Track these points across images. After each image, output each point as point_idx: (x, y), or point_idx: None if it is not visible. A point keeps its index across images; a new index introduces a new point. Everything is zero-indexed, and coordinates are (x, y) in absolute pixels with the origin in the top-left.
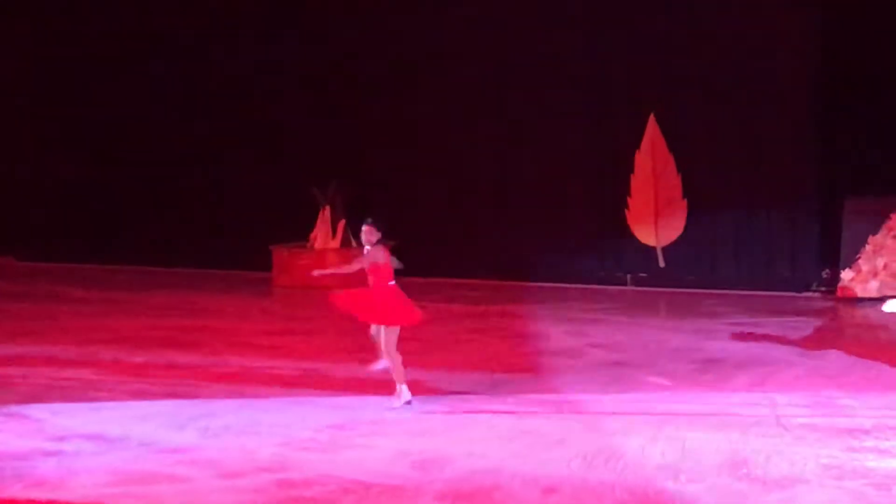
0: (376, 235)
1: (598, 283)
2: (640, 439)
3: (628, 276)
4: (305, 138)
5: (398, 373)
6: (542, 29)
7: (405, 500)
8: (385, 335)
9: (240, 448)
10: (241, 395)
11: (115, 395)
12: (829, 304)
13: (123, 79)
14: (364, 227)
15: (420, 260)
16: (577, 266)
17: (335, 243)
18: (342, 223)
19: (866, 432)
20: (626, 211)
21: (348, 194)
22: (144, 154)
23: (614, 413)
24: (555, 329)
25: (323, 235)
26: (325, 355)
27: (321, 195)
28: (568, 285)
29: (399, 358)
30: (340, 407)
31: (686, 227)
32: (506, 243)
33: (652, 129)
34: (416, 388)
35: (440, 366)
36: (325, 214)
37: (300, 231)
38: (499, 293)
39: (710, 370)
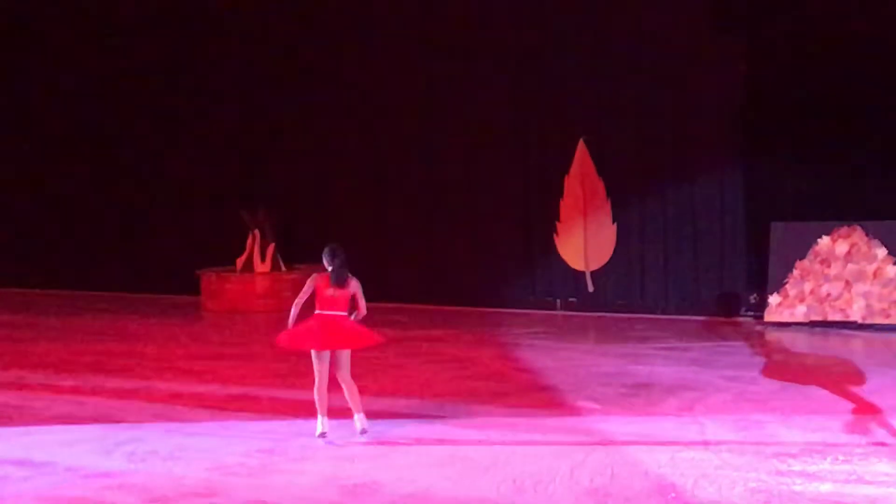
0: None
1: (528, 308)
2: (570, 463)
3: (557, 300)
4: (233, 163)
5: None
6: (473, 53)
7: None
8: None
9: (167, 473)
10: (170, 420)
11: (42, 419)
12: (758, 328)
13: (46, 103)
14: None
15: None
16: (506, 290)
17: (265, 267)
18: (272, 247)
19: (794, 456)
20: (554, 236)
21: (277, 219)
22: (71, 178)
23: (544, 437)
24: (484, 353)
25: (252, 260)
26: (254, 380)
27: (250, 219)
28: (497, 310)
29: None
30: (269, 432)
31: (615, 252)
32: (434, 268)
33: (581, 154)
34: (345, 414)
35: (369, 392)
36: (255, 238)
37: (228, 255)
38: (428, 318)
39: (639, 394)
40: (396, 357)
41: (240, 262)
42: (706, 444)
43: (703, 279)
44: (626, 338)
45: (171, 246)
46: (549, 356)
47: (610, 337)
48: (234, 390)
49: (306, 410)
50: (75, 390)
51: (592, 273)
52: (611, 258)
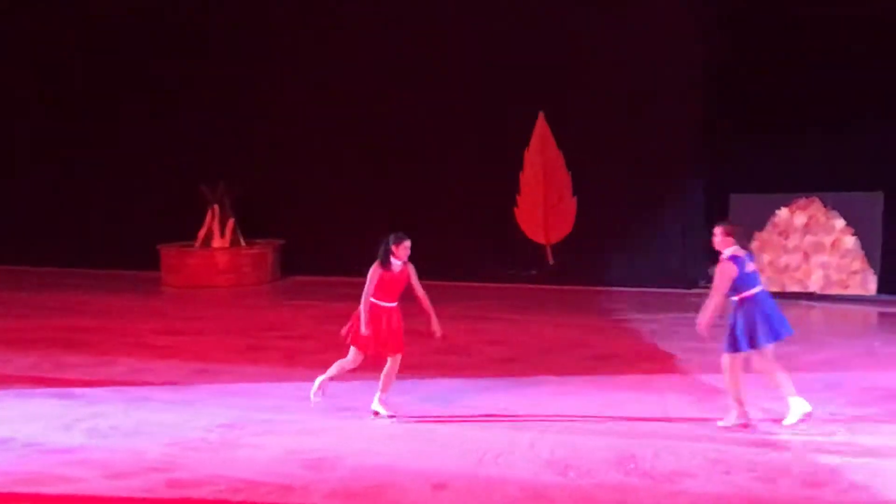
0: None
1: (488, 281)
2: (531, 435)
3: (519, 273)
4: (192, 138)
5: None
6: (431, 26)
7: (295, 499)
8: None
9: (128, 449)
10: (130, 396)
11: (1, 395)
12: None
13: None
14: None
15: (307, 258)
16: (467, 264)
17: (224, 242)
18: (231, 222)
19: (752, 426)
20: (515, 209)
21: (236, 193)
22: (31, 154)
23: (506, 409)
24: (447, 327)
25: (211, 234)
26: (215, 355)
27: (210, 193)
28: (458, 283)
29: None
30: (231, 406)
31: (575, 225)
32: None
33: (541, 127)
34: (308, 390)
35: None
36: (214, 213)
37: (188, 230)
38: None
39: (600, 366)
40: None
41: (199, 236)
42: (666, 415)
43: (663, 251)
44: (587, 310)
45: (131, 221)
46: (510, 329)
47: (570, 309)
48: (195, 365)
49: (268, 385)
50: (35, 366)
51: (553, 246)
52: (571, 231)
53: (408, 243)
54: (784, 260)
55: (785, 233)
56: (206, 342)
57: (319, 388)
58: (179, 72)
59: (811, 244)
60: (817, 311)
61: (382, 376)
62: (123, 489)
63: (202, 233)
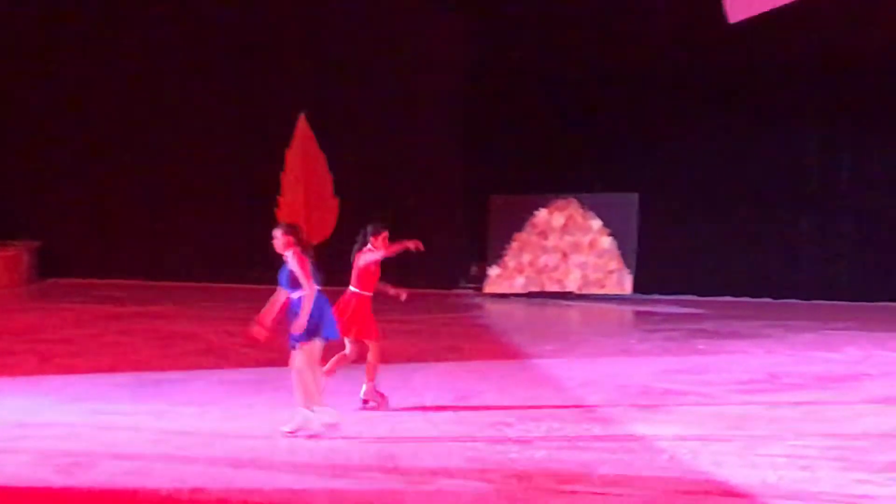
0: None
1: (252, 283)
2: (290, 438)
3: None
4: None
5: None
6: (193, 24)
7: None
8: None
9: None
10: None
11: None
12: (477, 300)
13: None
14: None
15: (65, 261)
16: (229, 266)
17: None
18: None
19: (509, 425)
20: (276, 210)
21: None
22: None
23: (262, 413)
24: (204, 329)
25: None
26: None
27: None
28: (219, 285)
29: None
30: None
31: (337, 226)
32: (156, 244)
33: (303, 128)
34: (63, 393)
35: (86, 369)
36: None
37: None
38: (147, 294)
39: (361, 366)
40: (115, 334)
41: None
42: (425, 415)
43: (424, 252)
44: None
45: None
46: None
47: None
48: None
49: (20, 390)
50: None
51: (315, 247)
52: (333, 232)
53: (385, 234)
54: (543, 260)
55: (544, 233)
56: None
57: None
58: None
59: (569, 244)
60: (575, 309)
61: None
62: None
63: None
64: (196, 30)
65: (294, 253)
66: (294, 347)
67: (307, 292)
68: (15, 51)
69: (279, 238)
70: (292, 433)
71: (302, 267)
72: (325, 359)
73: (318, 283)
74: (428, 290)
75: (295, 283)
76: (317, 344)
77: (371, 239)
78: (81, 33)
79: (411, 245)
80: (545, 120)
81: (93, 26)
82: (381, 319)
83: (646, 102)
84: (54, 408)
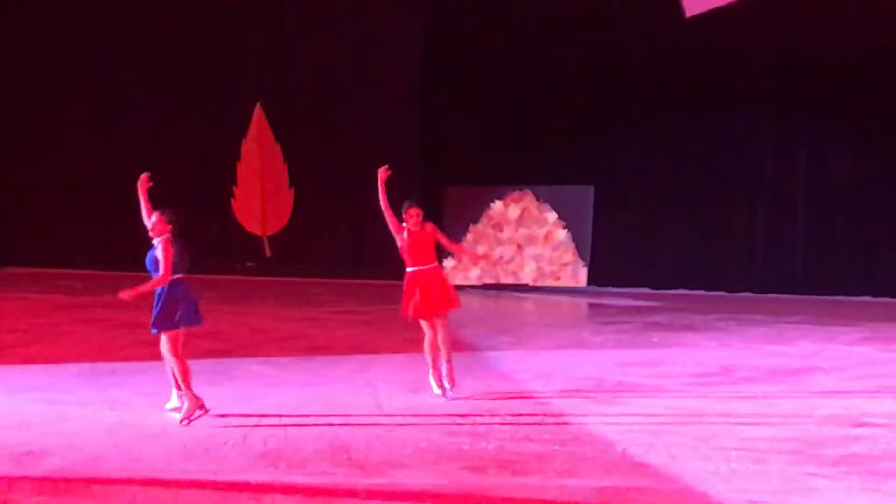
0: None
1: (205, 273)
2: (243, 429)
3: (236, 265)
4: None
5: None
6: (152, 13)
7: (3, 493)
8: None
9: None
10: None
11: None
12: None
13: None
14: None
15: (23, 250)
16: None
17: None
18: None
19: (463, 416)
20: (232, 200)
21: None
22: None
23: (218, 402)
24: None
25: None
26: None
27: None
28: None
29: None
30: None
31: (292, 217)
32: (109, 233)
33: (258, 118)
34: (16, 382)
35: (40, 358)
36: None
37: None
38: (103, 283)
39: (315, 357)
40: (70, 324)
41: None
42: (379, 407)
43: (377, 243)
44: (304, 302)
45: None
46: (226, 321)
47: (288, 301)
48: None
49: None
50: None
51: (270, 237)
52: (288, 222)
53: (409, 209)
54: (498, 252)
55: (499, 225)
56: None
57: (439, 385)
58: None
59: (524, 236)
60: (530, 301)
61: (428, 349)
62: None
63: None
64: (153, 19)
65: (163, 241)
66: (155, 333)
67: (158, 276)
68: None
69: (157, 223)
70: (188, 419)
71: (165, 255)
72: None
73: (181, 272)
74: (382, 281)
75: (156, 268)
76: (176, 331)
77: (403, 214)
78: (34, 21)
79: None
80: (501, 111)
81: (45, 17)
82: (335, 310)
83: (602, 94)
84: (7, 397)
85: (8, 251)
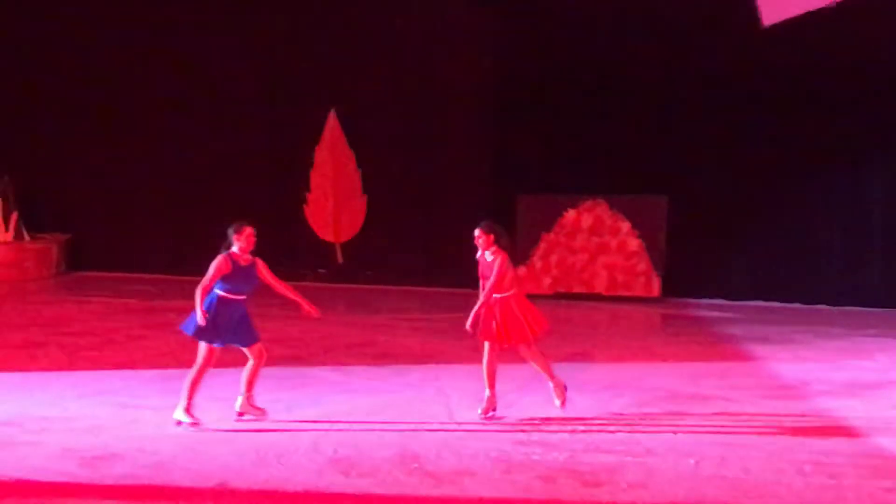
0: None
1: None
2: (313, 435)
3: (307, 271)
4: None
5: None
6: (222, 17)
7: (73, 498)
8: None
9: None
10: None
11: None
12: None
13: None
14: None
15: (94, 254)
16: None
17: (8, 237)
18: (14, 216)
19: (534, 426)
20: (305, 207)
21: (21, 187)
22: None
23: (289, 408)
24: None
25: None
26: None
27: None
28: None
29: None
30: (7, 402)
31: (365, 224)
32: (182, 238)
33: (332, 125)
34: (88, 387)
35: (113, 363)
36: None
37: None
38: (173, 288)
39: (385, 365)
40: (142, 328)
41: None
42: (450, 415)
43: (451, 251)
44: (375, 309)
45: None
46: (297, 327)
47: (359, 308)
48: None
49: (44, 383)
50: None
51: (342, 245)
52: (361, 229)
53: (476, 232)
54: (570, 261)
55: (572, 234)
56: None
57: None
58: None
59: (597, 246)
60: (602, 311)
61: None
62: None
63: None
64: (224, 27)
65: (218, 258)
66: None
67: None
68: (48, 48)
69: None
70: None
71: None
72: None
73: (238, 293)
74: (455, 290)
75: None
76: (202, 345)
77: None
78: (118, 34)
79: None
80: (574, 120)
81: (123, 28)
82: (406, 318)
83: (677, 104)
84: (79, 401)
85: (84, 256)
